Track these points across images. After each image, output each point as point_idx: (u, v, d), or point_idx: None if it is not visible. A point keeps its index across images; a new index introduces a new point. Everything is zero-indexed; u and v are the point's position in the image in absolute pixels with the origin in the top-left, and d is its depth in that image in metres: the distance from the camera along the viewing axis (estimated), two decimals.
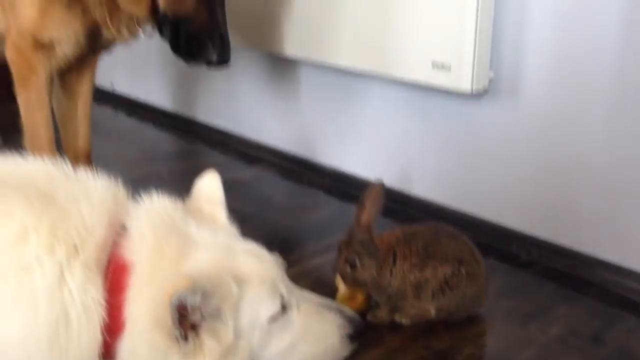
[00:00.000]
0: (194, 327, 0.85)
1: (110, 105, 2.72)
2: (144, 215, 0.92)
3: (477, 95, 1.58)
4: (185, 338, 0.84)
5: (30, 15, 1.44)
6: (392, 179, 1.78)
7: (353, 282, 1.28)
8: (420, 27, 1.56)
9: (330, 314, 0.99)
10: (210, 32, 1.41)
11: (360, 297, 1.32)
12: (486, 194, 1.67)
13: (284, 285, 0.96)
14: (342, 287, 1.32)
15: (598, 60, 1.41)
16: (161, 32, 1.46)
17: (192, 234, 0.93)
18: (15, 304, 0.82)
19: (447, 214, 1.73)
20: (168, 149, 2.41)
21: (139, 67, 2.65)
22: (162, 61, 2.50)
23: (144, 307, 0.85)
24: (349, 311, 1.03)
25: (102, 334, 0.85)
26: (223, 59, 1.43)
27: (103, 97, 2.63)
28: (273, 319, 0.92)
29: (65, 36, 1.47)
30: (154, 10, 1.42)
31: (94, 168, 1.65)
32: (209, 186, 1.05)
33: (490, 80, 1.55)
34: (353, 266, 1.26)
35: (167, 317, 0.81)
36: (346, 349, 1.00)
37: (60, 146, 1.70)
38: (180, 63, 1.54)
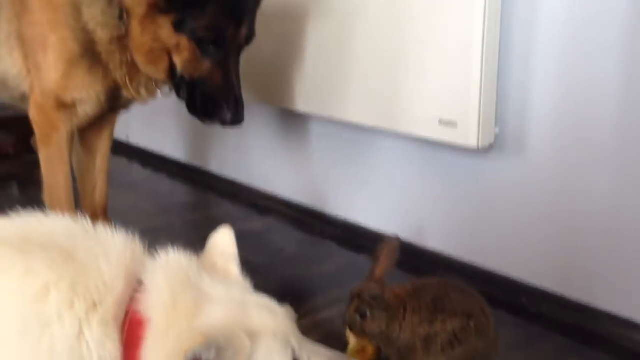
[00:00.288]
0: None
1: (125, 156, 2.78)
2: (160, 270, 0.95)
3: (483, 150, 1.62)
4: None
5: (54, 77, 1.51)
6: (400, 231, 1.80)
7: (362, 333, 1.29)
8: (427, 85, 1.61)
9: None
10: (225, 93, 1.47)
11: (370, 350, 1.33)
12: (495, 246, 1.68)
13: (295, 338, 0.98)
14: (352, 340, 1.33)
15: (600, 114, 1.44)
16: (178, 93, 1.51)
17: (206, 288, 0.96)
18: (36, 356, 0.84)
19: (456, 265, 1.74)
20: (181, 200, 2.45)
21: (154, 119, 2.71)
22: (176, 114, 2.57)
23: None
24: None
25: None
26: (237, 119, 1.48)
27: (118, 148, 2.68)
28: None
29: (87, 97, 1.53)
30: (171, 72, 1.47)
31: (110, 220, 1.71)
32: (223, 241, 1.08)
33: (496, 136, 1.59)
34: (363, 317, 1.27)
35: None
36: None
37: (77, 199, 1.74)
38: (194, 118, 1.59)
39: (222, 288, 0.97)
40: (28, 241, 0.92)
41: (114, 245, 0.95)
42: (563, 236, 1.55)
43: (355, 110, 1.79)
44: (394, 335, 1.27)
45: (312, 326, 1.45)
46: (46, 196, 1.63)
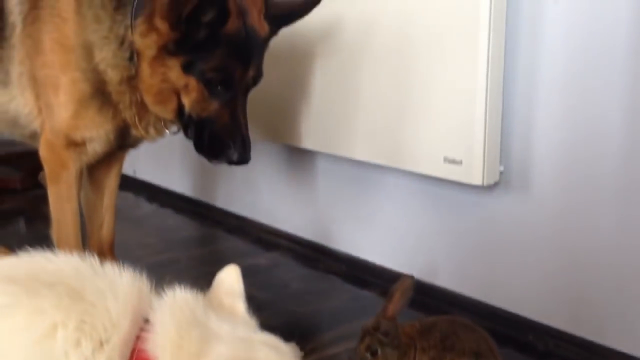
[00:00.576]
0: None
1: (132, 191, 2.80)
2: (167, 308, 0.96)
3: (488, 188, 1.63)
4: None
5: (64, 117, 1.53)
6: (406, 267, 1.81)
7: None
8: (432, 124, 1.63)
9: None
10: (232, 133, 1.48)
11: None
12: (502, 283, 1.68)
13: None
14: None
15: (604, 151, 1.45)
16: (186, 132, 1.53)
17: (213, 327, 0.96)
18: None
19: (463, 302, 1.73)
20: (188, 235, 2.46)
21: (161, 155, 2.74)
22: (182, 149, 2.59)
23: None
24: None
25: None
26: (244, 159, 1.50)
27: (125, 183, 2.70)
28: None
29: (97, 136, 1.55)
30: (179, 112, 1.50)
31: (116, 257, 1.72)
32: (229, 279, 1.08)
33: (501, 174, 1.60)
34: (374, 354, 1.27)
35: None
36: None
37: (84, 234, 1.75)
38: None
39: (228, 326, 0.97)
40: (36, 280, 0.93)
41: (121, 284, 0.96)
42: (570, 273, 1.55)
43: (360, 147, 1.80)
44: None
45: None
46: (54, 232, 1.64)
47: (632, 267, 1.44)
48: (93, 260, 1.00)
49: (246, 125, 1.52)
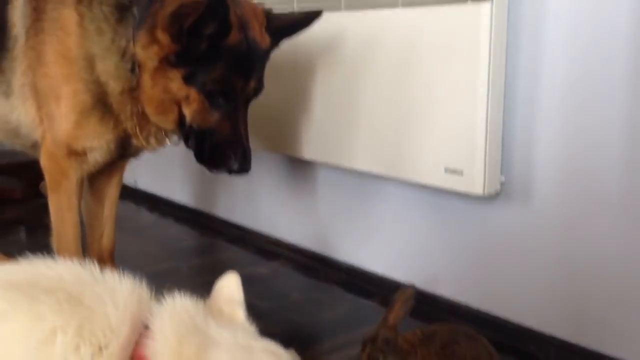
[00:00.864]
0: None
1: (132, 201, 2.81)
2: (166, 315, 0.96)
3: (490, 198, 1.63)
4: None
5: (66, 127, 1.54)
6: (406, 276, 1.81)
7: None
8: (433, 134, 1.63)
9: None
10: (233, 144, 1.49)
11: None
12: (502, 293, 1.68)
13: None
14: None
15: (606, 160, 1.46)
16: (187, 142, 1.54)
17: (212, 333, 0.96)
18: None
19: (464, 312, 1.73)
20: (188, 244, 2.46)
21: (161, 165, 2.75)
22: (183, 160, 2.60)
23: None
24: None
25: None
26: (244, 169, 1.51)
27: (126, 193, 2.71)
28: None
29: (98, 145, 1.56)
30: (180, 122, 1.51)
31: (117, 265, 1.72)
32: (229, 287, 1.08)
33: (502, 184, 1.61)
34: None
35: None
36: None
37: (85, 244, 1.76)
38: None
39: (227, 333, 0.97)
40: (36, 286, 0.93)
41: (120, 291, 0.96)
42: (571, 283, 1.55)
43: (361, 158, 1.81)
44: None
45: None
46: (54, 241, 1.65)
47: (633, 277, 1.44)
48: (93, 267, 1.00)
49: (247, 135, 1.53)
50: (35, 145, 1.65)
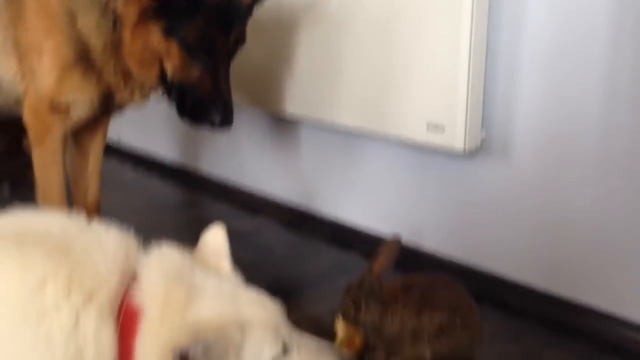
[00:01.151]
0: None
1: (116, 158, 2.80)
2: (154, 264, 0.98)
3: (470, 154, 1.66)
4: None
5: (48, 81, 1.53)
6: (388, 229, 1.85)
7: (354, 323, 1.32)
8: (415, 90, 1.65)
9: (329, 356, 1.04)
10: (214, 98, 1.49)
11: (357, 341, 1.36)
12: (481, 245, 1.72)
13: (286, 329, 1.01)
14: (340, 332, 1.37)
15: (584, 121, 1.49)
16: (169, 97, 1.54)
17: (199, 282, 0.98)
18: (34, 344, 0.88)
19: (443, 263, 1.78)
20: (173, 200, 2.48)
21: (145, 121, 2.74)
22: (167, 116, 2.58)
23: (152, 353, 0.90)
24: (347, 353, 1.08)
25: None
26: (225, 123, 1.51)
27: (110, 150, 2.71)
28: None
29: (81, 100, 1.56)
30: (162, 77, 1.51)
31: (103, 218, 1.73)
32: (215, 238, 1.10)
33: (482, 140, 1.63)
34: (358, 307, 1.31)
35: None
36: None
37: (70, 200, 1.77)
38: None
39: (213, 282, 1.00)
40: (24, 236, 0.95)
41: (108, 240, 0.98)
42: (548, 235, 1.59)
43: (344, 113, 1.82)
44: (384, 326, 1.31)
45: (300, 320, 1.46)
46: (39, 198, 1.65)
47: (609, 225, 1.49)
48: (80, 218, 1.02)
49: (229, 90, 1.53)
50: (18, 101, 1.64)
